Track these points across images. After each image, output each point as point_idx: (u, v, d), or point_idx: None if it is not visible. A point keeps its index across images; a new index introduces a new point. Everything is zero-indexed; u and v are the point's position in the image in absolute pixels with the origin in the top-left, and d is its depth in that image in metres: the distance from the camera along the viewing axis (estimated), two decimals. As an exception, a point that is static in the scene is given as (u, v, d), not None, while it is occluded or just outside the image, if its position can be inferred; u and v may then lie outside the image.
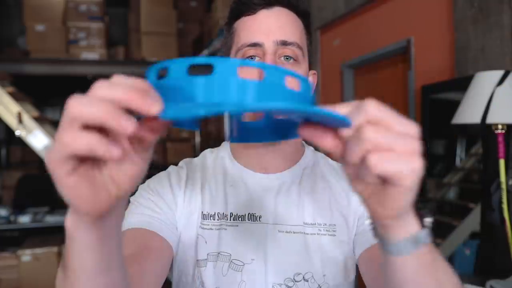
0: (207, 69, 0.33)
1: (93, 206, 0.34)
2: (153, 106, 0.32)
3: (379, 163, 0.33)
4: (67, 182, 0.33)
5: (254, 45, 0.67)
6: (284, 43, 0.67)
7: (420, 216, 0.42)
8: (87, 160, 0.34)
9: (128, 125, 0.31)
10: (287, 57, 0.68)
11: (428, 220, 0.42)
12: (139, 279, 0.56)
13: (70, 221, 0.37)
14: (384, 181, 0.35)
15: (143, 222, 0.66)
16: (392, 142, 0.33)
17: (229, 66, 0.33)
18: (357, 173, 0.37)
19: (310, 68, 0.76)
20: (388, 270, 0.43)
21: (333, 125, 0.36)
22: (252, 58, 0.68)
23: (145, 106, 0.32)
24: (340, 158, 0.38)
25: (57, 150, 0.32)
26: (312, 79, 0.78)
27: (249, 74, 0.40)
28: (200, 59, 0.34)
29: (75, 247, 0.38)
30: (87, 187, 0.34)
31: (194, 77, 0.33)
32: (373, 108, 0.34)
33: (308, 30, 0.74)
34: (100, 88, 0.32)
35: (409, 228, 0.40)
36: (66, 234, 0.38)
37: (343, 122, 0.34)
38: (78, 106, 0.31)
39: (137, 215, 0.68)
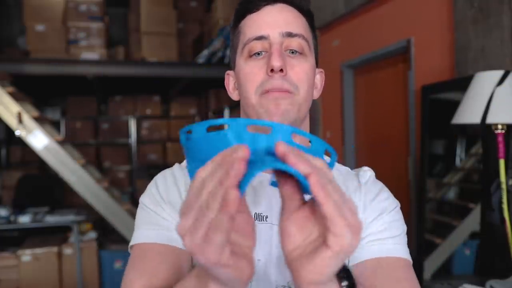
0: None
1: (243, 274, 0.39)
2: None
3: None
4: (223, 260, 0.36)
5: (260, 38, 0.67)
6: (290, 35, 0.67)
7: (340, 279, 0.43)
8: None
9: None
10: (293, 51, 0.68)
11: (344, 284, 0.44)
12: None
13: None
14: (325, 231, 0.37)
15: (163, 237, 0.66)
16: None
17: (239, 125, 0.39)
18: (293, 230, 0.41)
19: (317, 67, 0.75)
20: None
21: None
22: (258, 54, 0.68)
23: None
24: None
25: (215, 240, 0.35)
26: (320, 77, 0.77)
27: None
28: (216, 121, 0.40)
29: None
30: (237, 258, 0.38)
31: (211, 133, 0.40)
32: None
33: (313, 29, 0.74)
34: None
35: None
36: None
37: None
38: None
39: (154, 228, 0.67)
